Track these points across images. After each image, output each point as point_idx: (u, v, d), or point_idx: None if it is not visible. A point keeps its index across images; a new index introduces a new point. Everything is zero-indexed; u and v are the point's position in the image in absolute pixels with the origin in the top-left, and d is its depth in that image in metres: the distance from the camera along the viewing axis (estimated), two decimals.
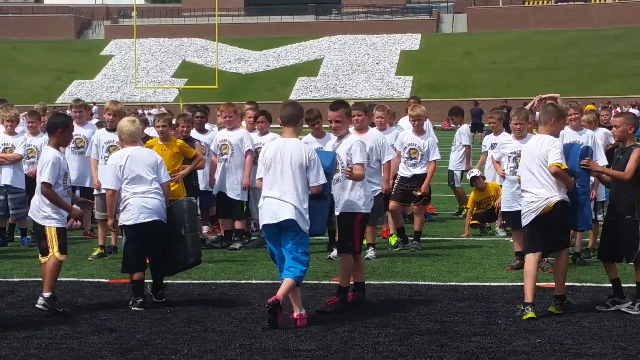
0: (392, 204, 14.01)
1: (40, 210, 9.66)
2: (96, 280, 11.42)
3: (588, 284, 11.00)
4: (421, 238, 14.63)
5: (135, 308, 9.78)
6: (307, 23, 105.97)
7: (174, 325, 9.00)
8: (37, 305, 9.48)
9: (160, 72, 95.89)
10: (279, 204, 9.11)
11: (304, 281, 10.94)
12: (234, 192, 14.12)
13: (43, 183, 9.60)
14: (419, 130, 14.04)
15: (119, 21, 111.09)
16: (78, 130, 15.05)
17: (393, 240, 14.21)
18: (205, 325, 8.99)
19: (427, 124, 16.57)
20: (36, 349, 8.14)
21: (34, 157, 14.55)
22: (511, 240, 14.55)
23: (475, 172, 15.78)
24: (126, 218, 10.06)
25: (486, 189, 15.50)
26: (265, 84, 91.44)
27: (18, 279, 11.42)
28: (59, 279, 11.29)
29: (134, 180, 10.09)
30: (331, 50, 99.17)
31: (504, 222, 12.63)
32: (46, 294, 9.51)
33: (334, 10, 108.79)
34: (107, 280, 11.40)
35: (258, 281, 11.35)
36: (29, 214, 9.90)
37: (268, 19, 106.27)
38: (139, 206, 10.00)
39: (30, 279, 11.37)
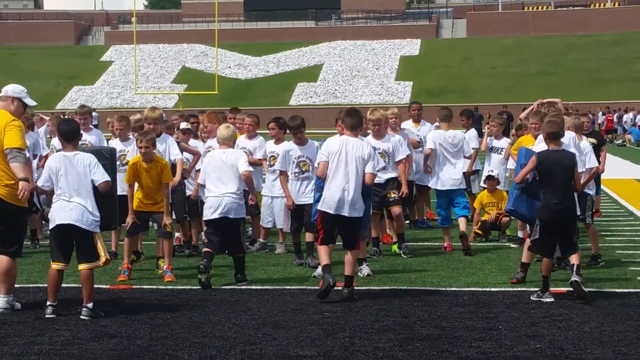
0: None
1: (93, 216, 9.76)
2: (97, 286, 11.39)
3: (588, 289, 10.98)
4: (422, 244, 14.62)
5: (201, 272, 11.18)
6: (307, 29, 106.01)
7: (174, 331, 8.99)
8: (82, 317, 9.59)
9: (160, 77, 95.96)
10: None
11: (303, 287, 10.96)
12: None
13: (107, 182, 9.89)
14: (379, 135, 13.45)
15: (118, 27, 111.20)
16: (84, 137, 15.07)
17: (394, 247, 14.08)
18: (206, 331, 8.99)
19: (429, 127, 16.58)
20: (36, 355, 8.14)
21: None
22: (512, 246, 14.57)
23: (494, 172, 15.76)
24: (206, 214, 11.66)
25: (494, 193, 15.56)
26: (265, 90, 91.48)
27: (18, 285, 11.39)
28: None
29: (219, 179, 11.60)
30: (331, 56, 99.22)
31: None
32: (90, 305, 9.68)
33: (334, 16, 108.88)
34: (108, 286, 11.40)
35: (258, 287, 11.35)
36: (76, 222, 9.67)
37: (268, 25, 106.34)
38: (218, 203, 11.52)
39: (31, 285, 11.39)
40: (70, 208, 9.69)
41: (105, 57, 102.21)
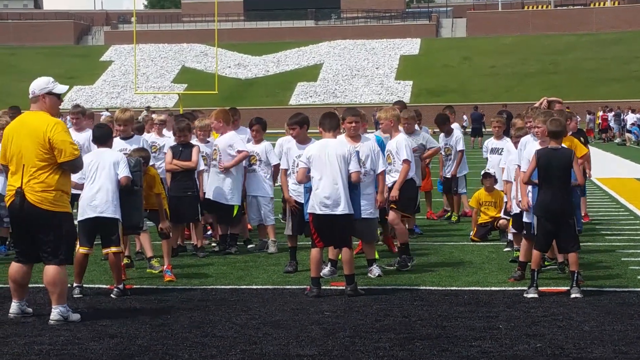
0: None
1: (115, 204, 10.75)
2: (97, 286, 11.42)
3: (589, 288, 10.99)
4: (423, 243, 14.61)
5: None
6: (307, 28, 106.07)
7: (175, 331, 8.99)
8: (112, 295, 10.72)
9: (160, 77, 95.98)
10: None
11: (303, 287, 10.95)
12: (223, 197, 14.17)
13: (126, 177, 10.91)
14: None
15: (118, 27, 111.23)
16: (74, 136, 14.98)
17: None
18: (206, 331, 8.99)
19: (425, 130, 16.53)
20: (37, 354, 8.14)
21: None
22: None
23: (491, 171, 15.62)
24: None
25: (492, 193, 15.45)
26: (265, 89, 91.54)
27: None
28: None
29: None
30: (331, 55, 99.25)
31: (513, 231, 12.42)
32: (121, 286, 10.87)
33: (334, 15, 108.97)
34: (108, 287, 11.39)
35: (258, 287, 11.35)
36: (101, 214, 10.71)
37: (267, 24, 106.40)
38: None
39: (30, 285, 11.35)
40: (96, 203, 10.72)
41: (105, 57, 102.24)
